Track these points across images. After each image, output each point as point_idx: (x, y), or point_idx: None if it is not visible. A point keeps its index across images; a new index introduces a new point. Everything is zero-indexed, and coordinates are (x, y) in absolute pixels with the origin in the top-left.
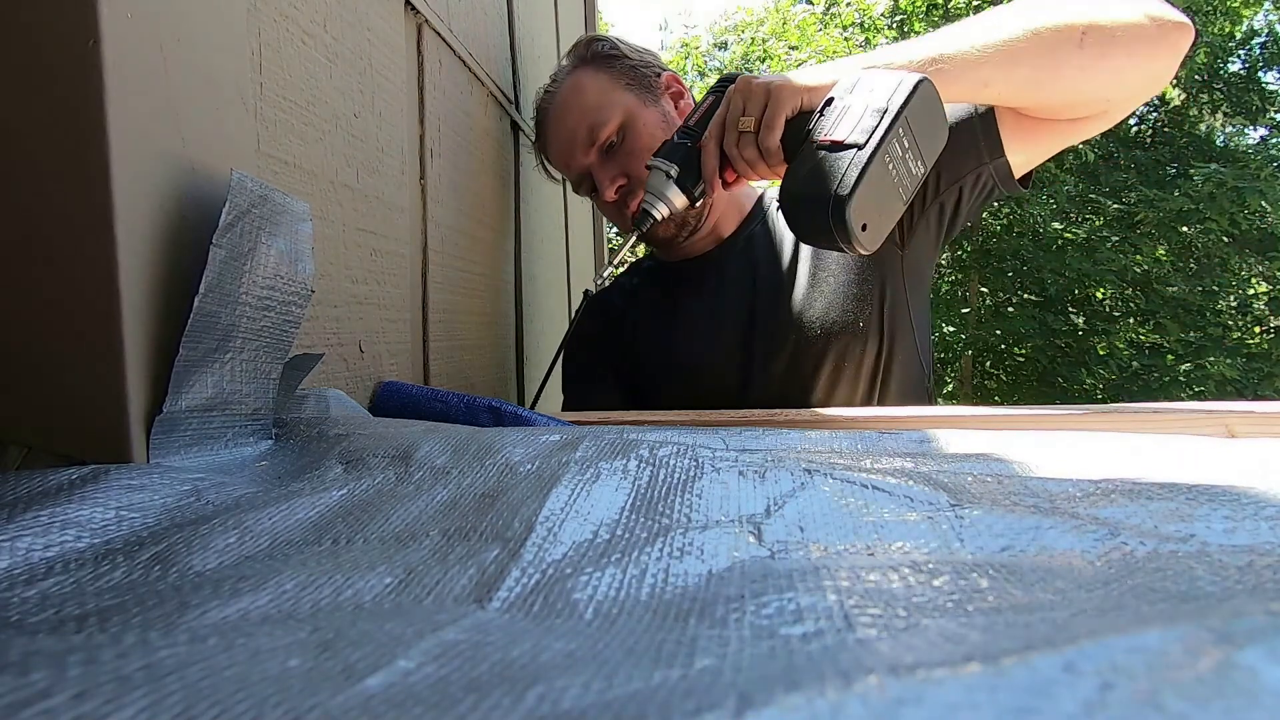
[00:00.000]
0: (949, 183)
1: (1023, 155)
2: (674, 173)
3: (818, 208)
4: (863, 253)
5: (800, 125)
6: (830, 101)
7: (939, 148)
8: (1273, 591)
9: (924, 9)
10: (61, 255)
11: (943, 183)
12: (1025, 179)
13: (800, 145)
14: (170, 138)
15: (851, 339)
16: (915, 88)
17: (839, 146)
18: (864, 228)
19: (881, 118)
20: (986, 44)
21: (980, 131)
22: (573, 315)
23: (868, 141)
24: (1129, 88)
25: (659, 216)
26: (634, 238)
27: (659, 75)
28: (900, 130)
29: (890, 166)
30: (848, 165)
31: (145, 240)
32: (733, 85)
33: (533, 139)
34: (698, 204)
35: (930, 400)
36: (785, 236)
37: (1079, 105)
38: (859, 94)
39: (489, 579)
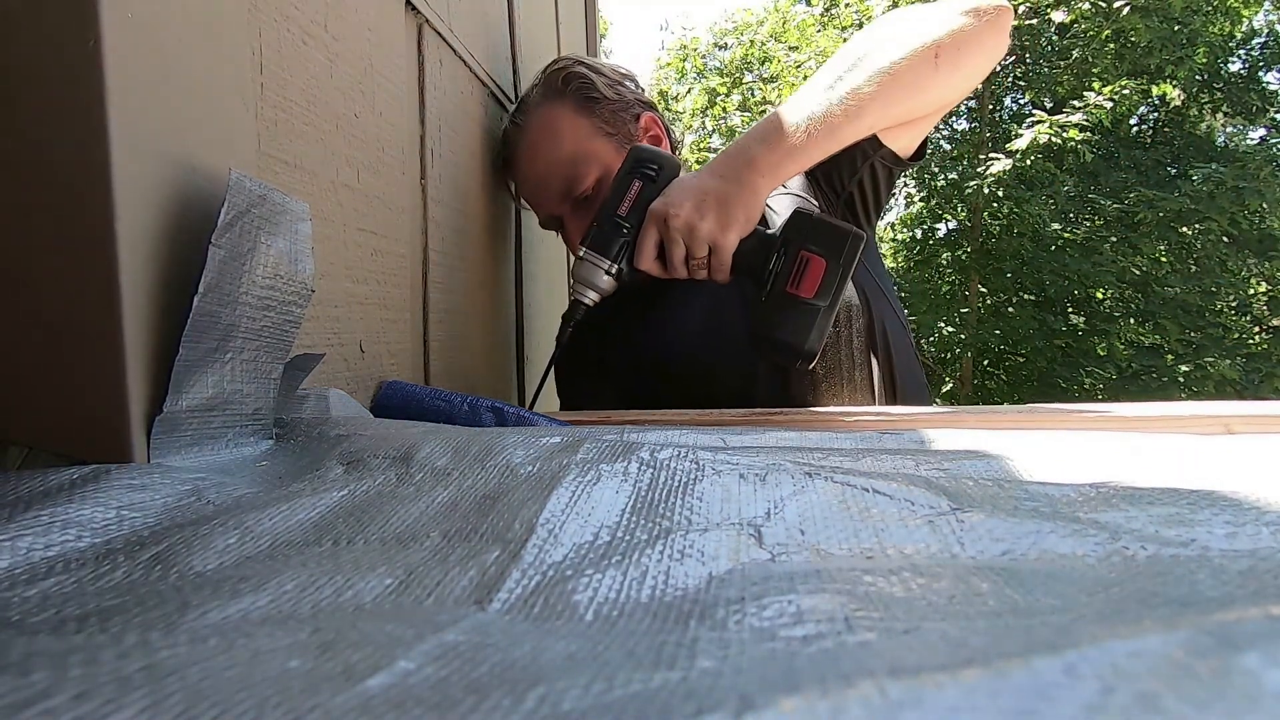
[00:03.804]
0: (849, 176)
1: (903, 142)
2: (611, 270)
3: (794, 353)
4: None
5: (754, 248)
6: (787, 242)
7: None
8: (1274, 596)
9: None
10: (62, 255)
11: (846, 178)
12: (919, 152)
13: (761, 276)
14: (170, 138)
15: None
16: (860, 246)
17: (806, 302)
18: (816, 360)
19: (838, 277)
20: (859, 99)
21: None
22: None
23: (829, 302)
24: (985, 70)
25: (590, 303)
26: (570, 325)
27: (637, 119)
28: (847, 284)
29: (837, 310)
30: (815, 323)
31: (146, 240)
32: (667, 219)
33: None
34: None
35: (919, 359)
36: None
37: (950, 104)
38: (813, 241)
39: (489, 580)
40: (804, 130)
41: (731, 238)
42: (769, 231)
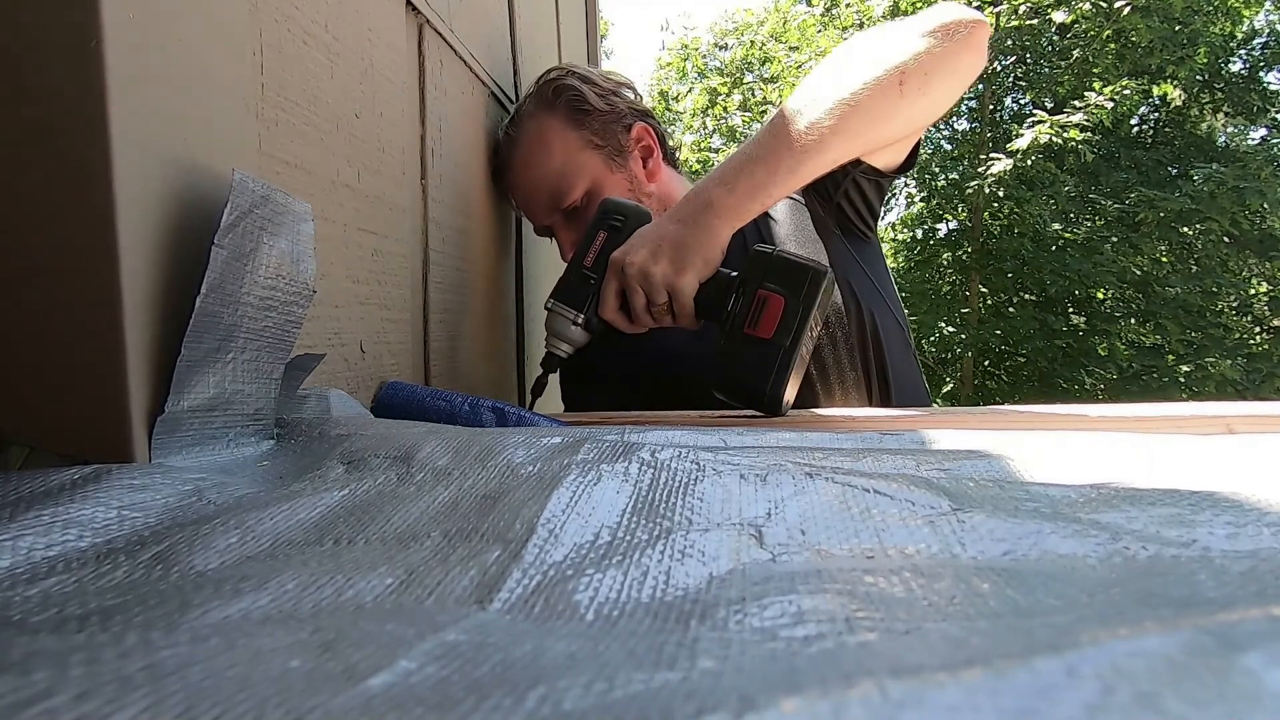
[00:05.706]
0: (834, 189)
1: (885, 158)
2: (579, 320)
3: (754, 396)
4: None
5: (716, 290)
6: (744, 282)
7: (827, 312)
8: (1275, 596)
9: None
10: (64, 255)
11: (831, 190)
12: (907, 161)
13: (722, 320)
14: (171, 138)
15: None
16: (824, 284)
17: (765, 343)
18: (786, 403)
19: (799, 315)
20: (820, 134)
21: None
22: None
23: (790, 341)
24: (958, 92)
25: (564, 355)
26: (546, 375)
27: (629, 129)
28: (811, 322)
29: (802, 349)
30: (776, 364)
31: (147, 240)
32: (625, 268)
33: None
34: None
35: (916, 359)
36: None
37: (924, 126)
38: (772, 279)
39: (490, 580)
40: (765, 170)
41: (688, 280)
42: (732, 273)
